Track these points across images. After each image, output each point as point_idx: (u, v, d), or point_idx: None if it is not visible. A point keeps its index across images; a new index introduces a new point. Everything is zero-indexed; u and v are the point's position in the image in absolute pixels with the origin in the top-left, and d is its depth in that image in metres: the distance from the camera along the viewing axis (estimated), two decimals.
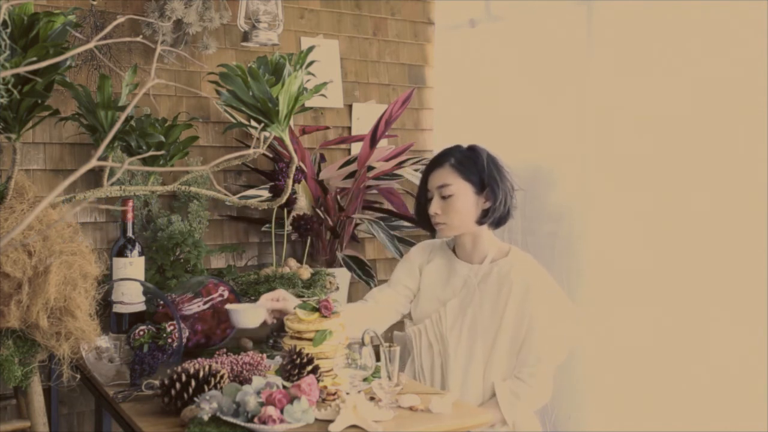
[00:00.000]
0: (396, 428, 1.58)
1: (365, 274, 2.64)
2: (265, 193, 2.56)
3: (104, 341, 1.90)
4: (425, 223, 2.23)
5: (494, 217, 2.12)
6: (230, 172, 2.77)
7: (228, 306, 2.06)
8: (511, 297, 2.07)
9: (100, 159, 1.95)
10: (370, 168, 2.72)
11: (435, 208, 2.14)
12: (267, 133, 1.86)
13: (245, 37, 2.62)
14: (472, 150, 2.17)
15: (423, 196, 2.20)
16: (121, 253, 2.04)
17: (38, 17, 1.55)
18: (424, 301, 2.22)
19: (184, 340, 1.93)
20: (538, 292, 2.07)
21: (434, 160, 2.19)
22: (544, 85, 2.69)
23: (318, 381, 1.67)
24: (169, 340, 1.84)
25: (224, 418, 1.50)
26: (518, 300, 2.07)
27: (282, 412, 1.49)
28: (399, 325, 2.33)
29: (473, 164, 2.13)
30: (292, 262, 2.29)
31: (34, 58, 1.52)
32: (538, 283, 2.09)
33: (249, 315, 2.04)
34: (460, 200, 2.12)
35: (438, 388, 2.12)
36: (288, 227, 2.38)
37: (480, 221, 2.14)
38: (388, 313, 2.24)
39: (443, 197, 2.13)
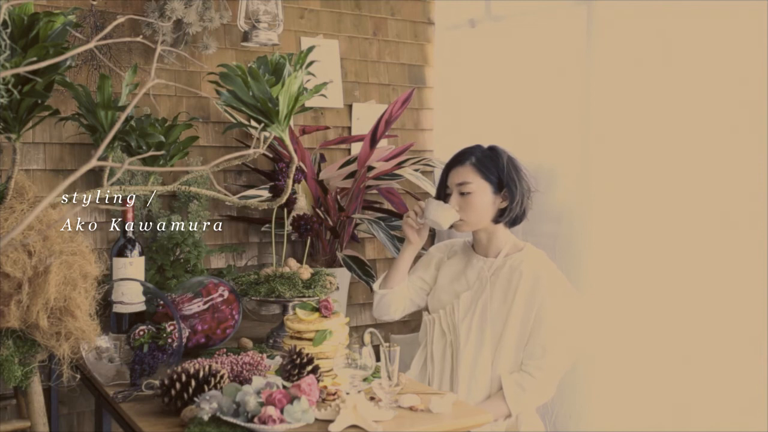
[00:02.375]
0: (396, 428, 1.58)
1: (365, 274, 2.64)
2: (265, 193, 2.56)
3: (104, 341, 1.90)
4: None
5: (510, 216, 2.19)
6: (230, 172, 2.77)
7: (429, 200, 2.18)
8: (520, 288, 2.12)
9: (100, 159, 1.95)
10: (370, 168, 2.72)
11: (453, 204, 2.19)
12: (267, 133, 1.86)
13: (245, 37, 2.62)
14: (493, 150, 2.22)
15: (442, 192, 2.26)
16: (121, 253, 2.04)
17: (38, 17, 1.55)
18: (440, 292, 2.28)
19: (184, 340, 1.93)
20: (547, 285, 2.11)
21: (455, 158, 2.24)
22: (545, 85, 2.69)
23: (318, 381, 1.67)
24: (169, 340, 1.84)
25: (224, 418, 1.50)
26: (527, 291, 2.11)
27: (282, 412, 1.49)
28: (417, 320, 2.35)
29: (493, 164, 2.17)
30: (292, 262, 2.28)
31: (34, 58, 1.52)
32: (547, 276, 2.14)
33: (446, 213, 2.15)
34: (478, 198, 2.16)
35: (447, 377, 2.17)
36: (288, 227, 2.38)
37: (496, 220, 2.19)
38: (405, 301, 2.32)
39: (462, 194, 2.17)
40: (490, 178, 2.17)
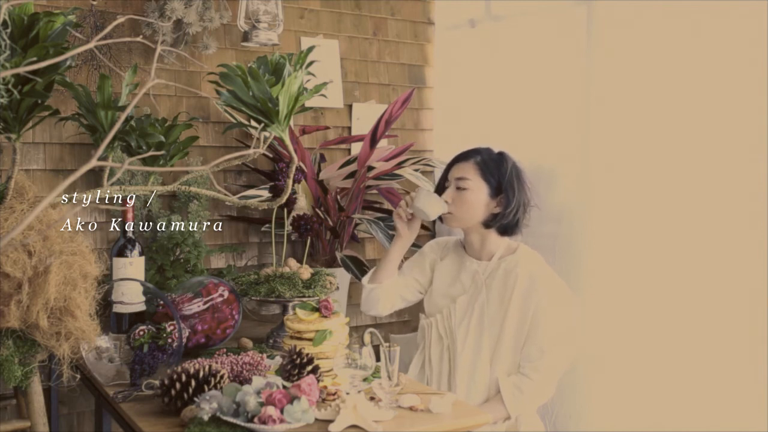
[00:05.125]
0: (396, 428, 1.58)
1: (363, 274, 2.64)
2: (265, 193, 2.56)
3: (104, 341, 1.90)
4: None
5: (501, 223, 2.17)
6: (230, 172, 2.77)
7: (420, 189, 2.18)
8: (516, 291, 2.12)
9: (100, 159, 1.95)
10: (370, 168, 2.72)
11: (447, 196, 2.21)
12: (267, 133, 1.86)
13: (245, 37, 2.62)
14: (501, 155, 2.23)
15: (441, 184, 2.28)
16: (121, 253, 2.04)
17: (38, 17, 1.55)
18: (436, 296, 2.28)
19: (184, 340, 1.93)
20: (542, 287, 2.11)
21: (462, 154, 2.26)
22: (545, 85, 2.69)
23: (318, 381, 1.67)
24: (169, 340, 1.84)
25: (224, 418, 1.50)
26: (523, 294, 2.11)
27: (282, 412, 1.49)
28: (417, 320, 2.35)
29: (496, 168, 2.18)
30: (292, 262, 2.29)
31: (34, 58, 1.52)
32: (542, 278, 2.13)
33: (434, 203, 2.16)
34: (473, 196, 2.17)
35: (445, 380, 2.18)
36: (288, 227, 2.38)
37: (487, 224, 2.18)
38: (394, 297, 2.32)
39: (458, 189, 2.18)
40: (489, 179, 2.17)
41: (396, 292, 2.31)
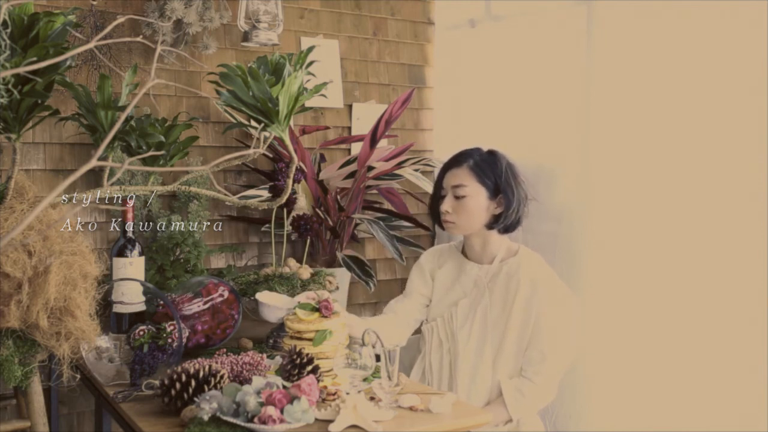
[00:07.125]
0: (396, 428, 1.58)
1: (365, 274, 2.64)
2: (265, 193, 2.56)
3: (104, 341, 1.90)
4: (435, 219, 2.26)
5: (504, 224, 2.15)
6: (230, 172, 2.77)
7: (259, 296, 2.10)
8: (519, 295, 2.11)
9: (100, 159, 1.95)
10: (370, 168, 2.72)
11: (446, 206, 2.17)
12: (267, 133, 1.86)
13: (245, 37, 2.62)
14: (492, 154, 2.19)
15: (437, 193, 2.23)
16: (121, 253, 2.04)
17: (38, 17, 1.55)
18: (437, 302, 2.27)
19: (184, 340, 1.93)
20: (544, 290, 2.11)
21: (453, 159, 2.22)
22: (545, 84, 2.69)
23: (318, 381, 1.67)
24: (169, 340, 1.84)
25: (224, 418, 1.50)
26: (525, 298, 2.11)
27: (282, 412, 1.49)
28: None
29: (491, 169, 2.15)
30: (292, 262, 2.29)
31: (34, 58, 1.52)
32: (544, 281, 2.13)
33: (276, 312, 2.09)
34: (473, 202, 2.14)
35: (446, 385, 2.16)
36: (288, 227, 2.38)
37: (489, 226, 2.17)
38: (407, 323, 2.29)
39: (456, 197, 2.16)
40: (486, 182, 2.15)
41: (404, 324, 2.27)
